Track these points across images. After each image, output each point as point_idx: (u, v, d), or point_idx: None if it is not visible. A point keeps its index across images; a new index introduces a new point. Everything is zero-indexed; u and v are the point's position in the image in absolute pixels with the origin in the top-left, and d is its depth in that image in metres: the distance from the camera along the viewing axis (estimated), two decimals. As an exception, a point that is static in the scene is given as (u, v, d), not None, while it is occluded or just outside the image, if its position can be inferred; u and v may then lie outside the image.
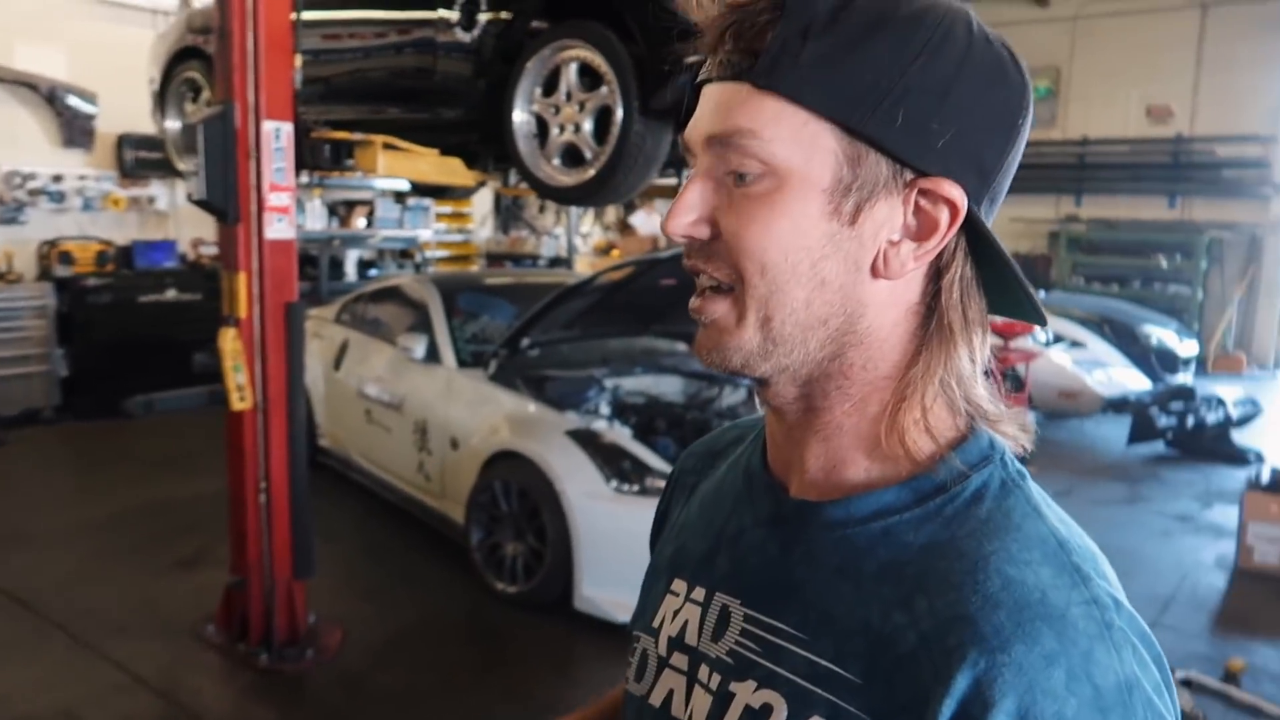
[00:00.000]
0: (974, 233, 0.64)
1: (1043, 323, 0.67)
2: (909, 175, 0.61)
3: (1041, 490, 0.66)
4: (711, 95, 0.65)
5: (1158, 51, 10.99)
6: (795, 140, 0.61)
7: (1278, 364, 11.50)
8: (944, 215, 0.62)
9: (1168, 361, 8.46)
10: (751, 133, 0.61)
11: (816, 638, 0.63)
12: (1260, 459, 6.63)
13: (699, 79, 0.67)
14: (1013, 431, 0.66)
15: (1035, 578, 0.58)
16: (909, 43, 0.60)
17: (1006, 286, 0.66)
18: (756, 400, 0.76)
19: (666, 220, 0.66)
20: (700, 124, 0.65)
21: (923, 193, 0.62)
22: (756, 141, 0.61)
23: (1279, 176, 11.18)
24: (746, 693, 0.66)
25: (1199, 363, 9.66)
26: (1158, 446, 7.03)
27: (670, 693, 0.73)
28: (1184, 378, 8.50)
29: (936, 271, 0.65)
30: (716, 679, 0.69)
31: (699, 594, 0.74)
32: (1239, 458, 6.79)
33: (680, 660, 0.73)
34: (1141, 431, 6.99)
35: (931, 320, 0.65)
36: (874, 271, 0.63)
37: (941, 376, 0.64)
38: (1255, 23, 10.88)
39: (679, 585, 0.77)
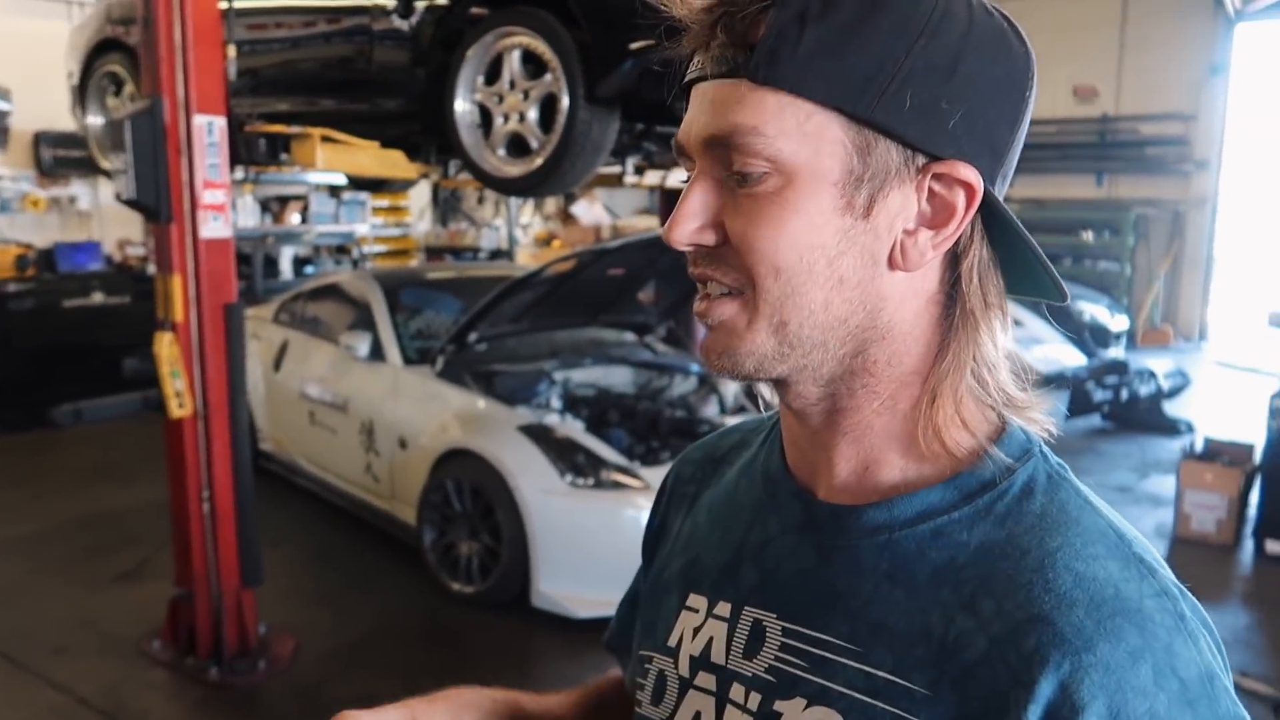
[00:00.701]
0: (988, 213, 0.61)
1: (1064, 298, 0.64)
2: (921, 160, 0.59)
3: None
4: (705, 94, 0.61)
5: (1083, 32, 11.22)
6: (801, 134, 0.58)
7: (1202, 336, 11.90)
8: (960, 199, 0.59)
9: (1100, 337, 8.67)
10: (754, 130, 0.58)
11: (871, 649, 0.60)
12: (1191, 429, 6.85)
13: (688, 79, 0.63)
14: (1039, 417, 0.64)
15: (1105, 572, 0.56)
16: (909, 22, 0.57)
17: (1023, 265, 0.63)
18: (761, 402, 0.73)
19: (668, 229, 0.62)
20: (696, 125, 0.61)
21: (936, 177, 0.59)
22: (761, 139, 0.58)
23: (1200, 154, 11.55)
24: (796, 711, 0.62)
25: (1129, 337, 9.94)
26: (1094, 420, 7.21)
27: (697, 715, 0.69)
28: (1116, 352, 8.72)
29: (954, 257, 0.62)
30: (756, 698, 0.65)
31: (724, 609, 0.70)
32: (1171, 428, 7.00)
33: (707, 680, 0.69)
34: (1078, 406, 7.16)
35: (953, 308, 0.62)
36: (891, 264, 0.60)
37: (972, 367, 0.62)
38: (1174, 3, 11.19)
39: (697, 601, 0.73)
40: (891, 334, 0.62)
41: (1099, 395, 7.27)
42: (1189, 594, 0.58)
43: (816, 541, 0.66)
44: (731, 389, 4.67)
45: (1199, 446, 5.37)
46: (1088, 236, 11.42)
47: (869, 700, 0.59)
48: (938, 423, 0.62)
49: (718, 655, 0.69)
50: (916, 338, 0.62)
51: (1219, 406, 7.96)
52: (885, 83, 0.56)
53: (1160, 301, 11.85)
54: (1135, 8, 11.34)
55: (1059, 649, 0.54)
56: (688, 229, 0.62)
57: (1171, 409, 7.38)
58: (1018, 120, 0.61)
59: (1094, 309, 8.99)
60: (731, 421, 4.10)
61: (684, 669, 0.71)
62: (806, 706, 0.62)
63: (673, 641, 0.73)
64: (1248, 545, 4.78)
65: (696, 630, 0.71)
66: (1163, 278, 11.77)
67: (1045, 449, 0.64)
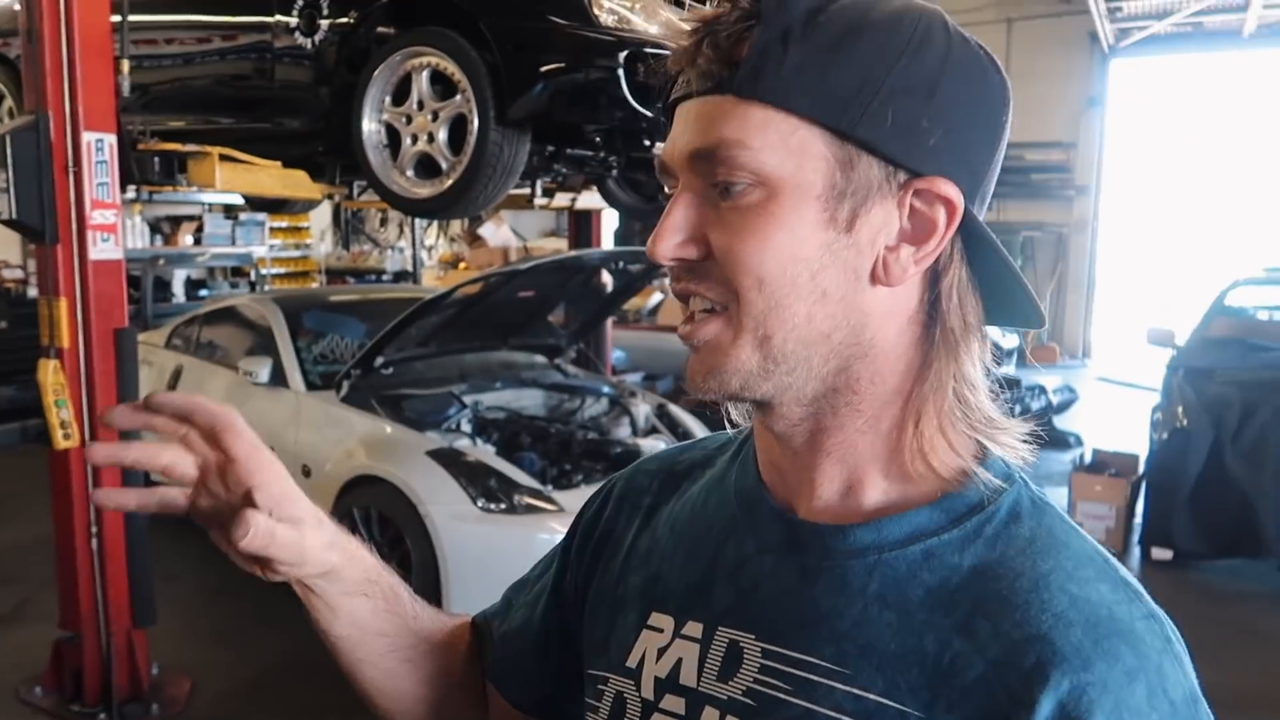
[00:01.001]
0: (966, 233, 0.62)
1: (1041, 324, 0.65)
2: (903, 177, 0.60)
3: None
4: (691, 111, 0.62)
5: (970, 64, 11.72)
6: (785, 148, 0.58)
7: (1086, 353, 12.50)
8: (941, 215, 0.60)
9: (993, 354, 9.02)
10: (739, 143, 0.59)
11: (859, 671, 0.59)
12: (1080, 442, 7.17)
13: (673, 98, 0.64)
14: (1014, 442, 0.64)
15: (1098, 594, 0.58)
16: (891, 43, 0.58)
17: (999, 289, 0.64)
18: (727, 417, 0.72)
19: (652, 243, 0.61)
20: (681, 141, 0.62)
21: (918, 194, 0.60)
22: (746, 152, 0.58)
23: (1080, 180, 12.19)
24: None
25: (1019, 354, 10.37)
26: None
27: None
28: (1008, 368, 9.09)
29: (934, 276, 0.62)
30: None
31: (694, 629, 0.68)
32: (1061, 442, 7.31)
33: (674, 704, 0.67)
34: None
35: (933, 328, 0.63)
36: (874, 279, 0.61)
37: (954, 387, 0.62)
38: (1054, 37, 11.81)
39: (661, 620, 0.70)
40: (874, 351, 0.62)
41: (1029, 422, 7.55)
42: (1168, 619, 0.60)
43: (799, 561, 0.65)
44: (643, 410, 4.67)
45: (1088, 459, 5.63)
46: (979, 258, 11.88)
47: None
48: (923, 443, 0.62)
49: (687, 677, 0.67)
50: (899, 356, 0.63)
51: (1104, 420, 8.36)
52: (867, 100, 0.58)
53: (1046, 320, 12.39)
54: (1017, 42, 11.92)
55: (1058, 668, 0.54)
56: (671, 243, 0.62)
57: (1061, 423, 7.71)
58: (995, 144, 0.62)
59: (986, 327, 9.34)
60: (645, 443, 4.10)
61: (647, 691, 0.69)
62: None
63: (632, 662, 0.71)
64: (1135, 552, 5.01)
65: (662, 651, 0.69)
66: (1049, 297, 12.33)
67: (1024, 476, 0.65)
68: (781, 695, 0.62)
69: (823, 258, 0.60)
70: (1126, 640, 0.56)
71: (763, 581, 0.66)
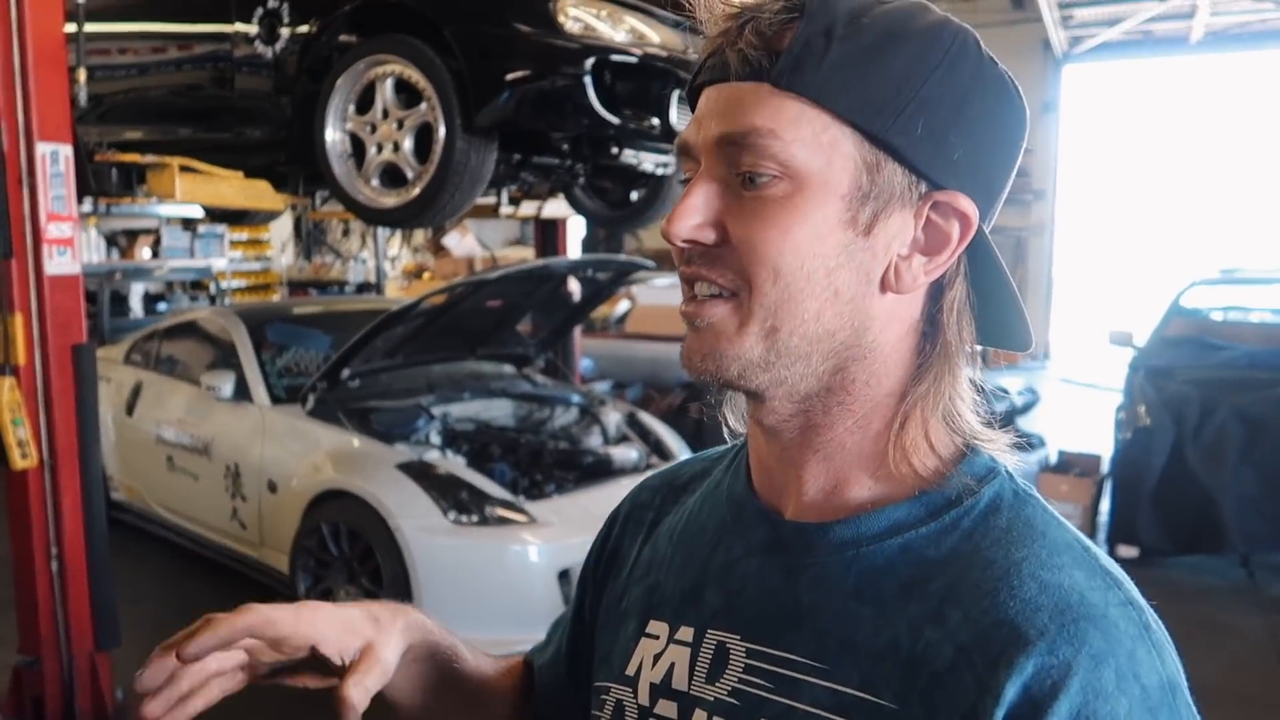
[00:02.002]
0: (972, 252, 0.62)
1: (1029, 346, 0.65)
2: (924, 187, 0.60)
3: None
4: (723, 95, 0.61)
5: (929, 71, 11.90)
6: (816, 143, 0.59)
7: (1046, 355, 12.69)
8: (956, 230, 0.61)
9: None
10: (771, 133, 0.58)
11: (838, 666, 0.60)
12: (1043, 443, 7.26)
13: (701, 79, 0.63)
14: (999, 450, 0.65)
15: (1070, 580, 0.57)
16: (928, 54, 0.59)
17: (994, 309, 0.64)
18: (725, 424, 0.72)
19: (668, 224, 0.61)
20: (710, 124, 0.61)
21: (936, 206, 0.61)
22: (777, 142, 0.58)
23: (1037, 184, 12.38)
24: None
25: (981, 357, 10.50)
26: (955, 437, 7.56)
27: None
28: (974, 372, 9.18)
29: (937, 290, 0.63)
30: None
31: (686, 634, 0.68)
32: (1025, 443, 7.39)
33: (668, 708, 0.67)
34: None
35: (931, 339, 0.63)
36: (884, 285, 0.61)
37: (946, 396, 0.63)
38: (1008, 45, 11.98)
39: (657, 627, 0.71)
40: (873, 355, 0.62)
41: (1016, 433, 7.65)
42: (1151, 610, 0.60)
43: (783, 561, 0.66)
44: (613, 418, 4.66)
45: (1053, 459, 5.70)
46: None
47: (835, 717, 0.59)
48: (906, 444, 0.63)
49: (679, 681, 0.67)
50: (897, 362, 0.63)
51: (1067, 421, 8.48)
52: (901, 106, 0.58)
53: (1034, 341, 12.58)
54: (975, 48, 12.09)
55: (1023, 652, 0.54)
56: (688, 224, 0.61)
57: (1024, 424, 7.81)
58: (1012, 166, 0.63)
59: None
60: (616, 451, 4.08)
61: (644, 697, 0.69)
62: None
63: (631, 670, 0.71)
64: (1101, 551, 5.08)
65: (657, 657, 0.70)
66: (1009, 301, 12.51)
67: (1010, 471, 0.65)
68: (764, 694, 0.62)
69: (839, 257, 0.60)
70: (1096, 624, 0.55)
71: (749, 582, 0.67)
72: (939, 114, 0.59)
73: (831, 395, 0.63)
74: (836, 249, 0.60)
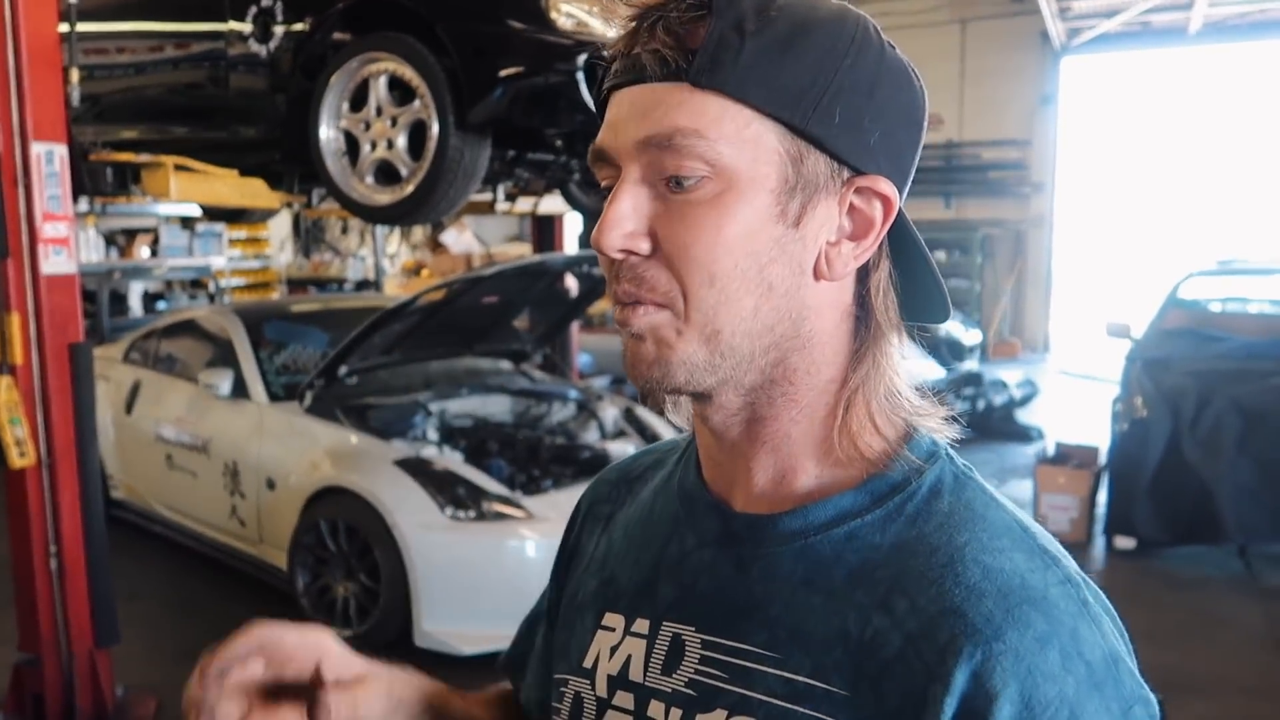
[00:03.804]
0: (891, 232, 0.63)
1: (946, 318, 0.67)
2: (846, 174, 0.61)
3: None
4: (640, 97, 0.60)
5: (926, 63, 11.66)
6: (740, 140, 0.59)
7: (1046, 347, 12.69)
8: (878, 212, 0.62)
9: (956, 350, 9.14)
10: (695, 132, 0.58)
11: (789, 654, 0.61)
12: (1041, 435, 7.28)
13: (612, 83, 0.63)
14: (938, 424, 0.66)
15: (1011, 564, 0.58)
16: (837, 43, 0.60)
17: (914, 285, 0.66)
18: (672, 418, 0.72)
19: (597, 234, 0.60)
20: (629, 127, 0.61)
21: (859, 191, 0.61)
22: (702, 142, 0.58)
23: (1036, 177, 12.37)
24: None
25: (981, 350, 10.51)
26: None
27: None
28: (970, 364, 9.21)
29: (863, 272, 0.64)
30: (677, 713, 0.64)
31: (642, 626, 0.69)
32: (1024, 435, 7.42)
33: (625, 699, 0.68)
34: (939, 417, 7.49)
35: (865, 322, 0.65)
36: (817, 273, 0.62)
37: (887, 377, 0.64)
38: (1007, 37, 11.99)
39: (613, 620, 0.72)
40: (812, 343, 0.63)
41: (957, 406, 7.66)
42: (1091, 582, 0.61)
43: (734, 553, 0.66)
44: (610, 414, 4.67)
45: (1051, 451, 5.71)
46: (940, 256, 12.03)
47: (789, 706, 0.59)
48: (852, 428, 0.64)
49: (635, 673, 0.68)
50: (835, 348, 0.64)
51: (1065, 413, 8.49)
52: (818, 96, 0.59)
53: (1008, 316, 12.58)
54: (971, 42, 12.09)
55: (970, 639, 0.55)
56: (619, 233, 0.60)
57: (1023, 417, 7.82)
58: (918, 146, 0.65)
59: (949, 324, 9.48)
60: (613, 446, 4.09)
61: (601, 689, 0.70)
62: (728, 717, 0.62)
63: (588, 663, 0.72)
64: (1099, 542, 5.09)
65: (614, 649, 0.70)
66: (1009, 293, 12.50)
67: (950, 451, 0.66)
68: (719, 684, 0.63)
69: (771, 251, 0.60)
70: (1038, 607, 0.56)
71: (702, 575, 0.68)
72: (853, 101, 0.59)
73: (775, 387, 0.64)
74: (769, 243, 0.60)
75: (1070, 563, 0.61)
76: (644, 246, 0.61)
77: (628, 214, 0.61)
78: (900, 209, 0.62)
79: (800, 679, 0.60)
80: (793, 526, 0.64)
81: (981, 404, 7.58)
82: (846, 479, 0.64)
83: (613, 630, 0.71)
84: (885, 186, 0.61)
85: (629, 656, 0.69)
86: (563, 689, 0.74)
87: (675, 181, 0.59)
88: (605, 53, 0.63)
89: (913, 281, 0.66)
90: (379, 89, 3.15)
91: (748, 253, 0.60)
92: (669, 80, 0.59)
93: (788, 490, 0.65)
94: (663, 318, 0.61)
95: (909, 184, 0.65)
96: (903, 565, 0.60)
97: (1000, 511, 0.63)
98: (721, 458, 0.69)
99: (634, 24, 0.60)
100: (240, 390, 4.42)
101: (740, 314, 0.60)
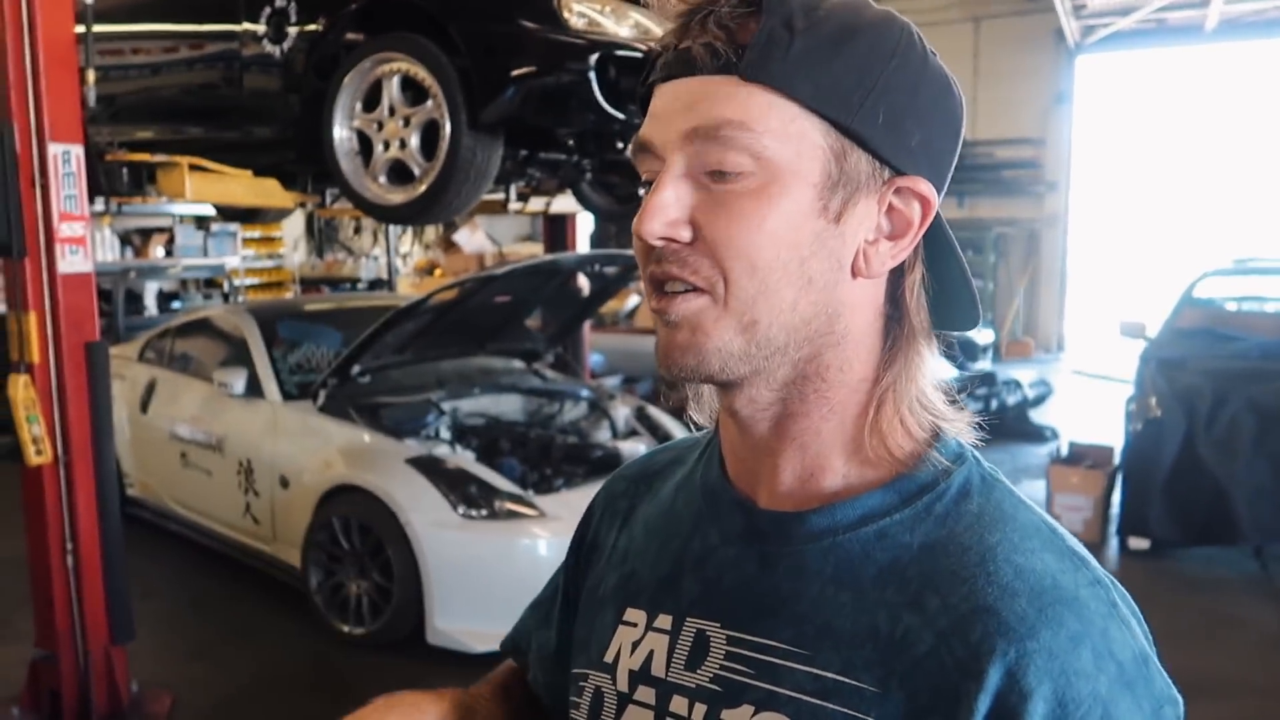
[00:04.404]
0: (926, 235, 0.64)
1: (975, 325, 0.67)
2: (887, 173, 0.62)
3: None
4: (687, 89, 0.61)
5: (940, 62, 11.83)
6: (785, 134, 0.59)
7: (1060, 347, 12.62)
8: (917, 213, 0.63)
9: (969, 350, 9.10)
10: (742, 125, 0.59)
11: (818, 651, 0.61)
12: (1055, 435, 7.24)
13: (656, 77, 0.64)
14: (963, 427, 0.66)
15: (1043, 564, 0.59)
16: (882, 45, 0.61)
17: (946, 288, 0.66)
18: (692, 414, 0.73)
19: (639, 221, 0.61)
20: (675, 119, 0.61)
21: (898, 191, 0.62)
22: (748, 134, 0.59)
23: (1050, 176, 12.30)
24: (743, 718, 0.63)
25: (995, 349, 10.46)
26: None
27: None
28: (984, 364, 9.17)
29: (898, 274, 0.65)
30: (701, 709, 0.65)
31: (664, 622, 0.70)
32: (1038, 435, 7.38)
33: (646, 694, 0.68)
34: (952, 417, 7.46)
35: (898, 322, 0.65)
36: (854, 270, 0.63)
37: (917, 378, 0.65)
38: (1021, 35, 11.93)
39: (634, 615, 0.72)
40: (846, 340, 0.64)
41: (971, 406, 7.61)
42: (1118, 584, 0.61)
43: (759, 549, 0.67)
44: (622, 413, 4.67)
45: (1064, 451, 5.68)
46: (953, 255, 11.96)
47: (819, 702, 0.60)
48: (883, 427, 0.64)
49: (658, 668, 0.68)
50: (868, 346, 0.65)
51: (1079, 413, 8.44)
52: (864, 95, 0.59)
53: (1021, 315, 12.52)
54: (985, 41, 12.03)
55: (1004, 637, 0.56)
56: (661, 221, 0.61)
57: (1037, 417, 7.78)
58: (956, 151, 0.65)
59: (962, 324, 9.43)
60: (625, 446, 4.10)
61: (622, 684, 0.70)
62: (755, 713, 0.62)
63: (609, 657, 0.72)
64: (1113, 542, 5.06)
65: (635, 644, 0.71)
66: (1022, 292, 12.44)
67: (976, 454, 0.67)
68: (745, 679, 0.63)
69: (812, 245, 0.61)
70: (1070, 607, 0.57)
71: (726, 571, 0.68)
72: (897, 102, 0.60)
73: (808, 383, 0.64)
74: (810, 238, 0.60)
75: (1097, 565, 0.62)
76: (685, 234, 0.61)
77: (670, 202, 0.61)
78: (937, 212, 0.63)
79: (830, 675, 0.60)
80: (821, 524, 0.64)
81: (995, 404, 7.54)
82: (874, 478, 0.65)
83: (634, 625, 0.71)
84: (925, 188, 0.62)
85: (651, 652, 0.69)
86: (582, 683, 0.74)
87: (719, 172, 0.60)
88: (651, 47, 0.64)
89: (944, 285, 0.66)
90: (392, 89, 3.15)
91: (789, 245, 0.60)
92: (718, 73, 0.60)
93: (814, 488, 0.66)
94: (701, 303, 0.62)
95: (945, 188, 0.65)
96: (934, 564, 0.60)
97: (1029, 513, 0.63)
98: (746, 454, 0.69)
99: (684, 19, 0.61)
100: (254, 389, 4.45)
101: (779, 306, 0.61)
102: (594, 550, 0.82)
